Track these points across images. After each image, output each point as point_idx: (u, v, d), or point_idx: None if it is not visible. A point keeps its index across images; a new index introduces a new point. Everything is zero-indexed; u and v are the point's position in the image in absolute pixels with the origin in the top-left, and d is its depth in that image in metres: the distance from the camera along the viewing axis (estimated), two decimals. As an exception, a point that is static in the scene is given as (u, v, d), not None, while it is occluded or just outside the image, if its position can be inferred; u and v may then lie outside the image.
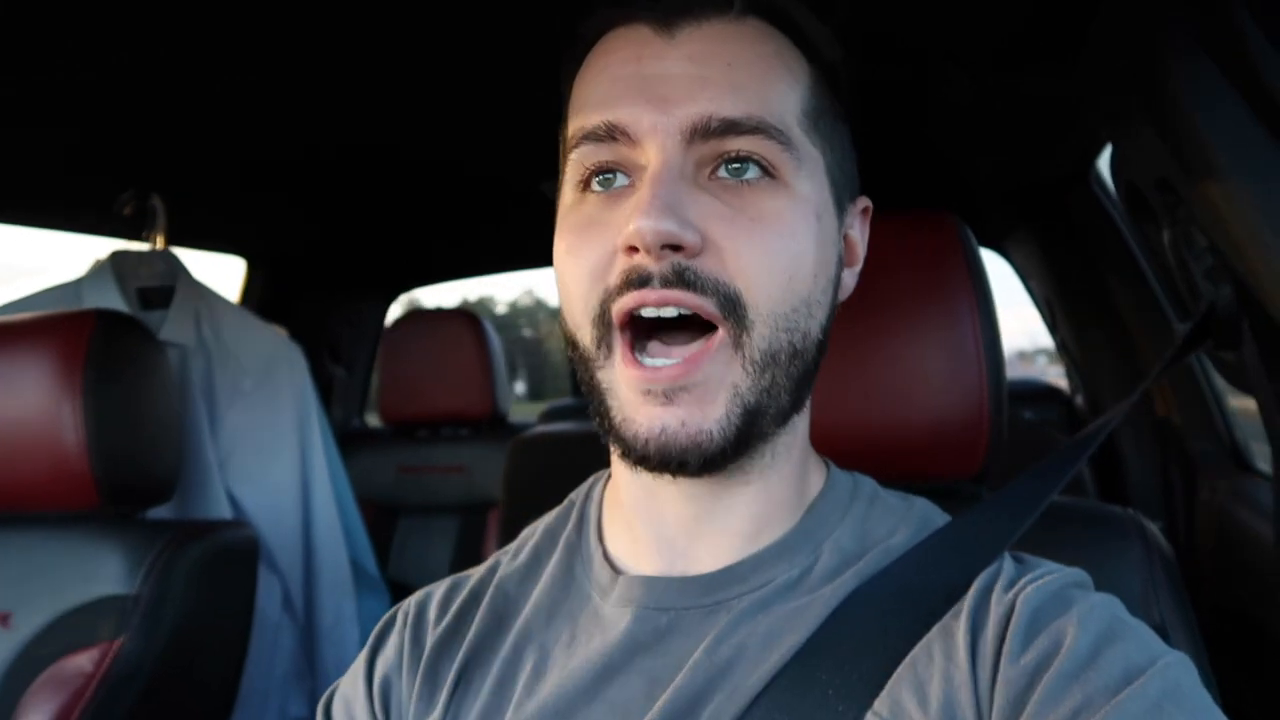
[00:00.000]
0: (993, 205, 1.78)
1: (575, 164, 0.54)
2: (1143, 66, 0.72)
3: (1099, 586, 0.54)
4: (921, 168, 1.54)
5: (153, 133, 1.26)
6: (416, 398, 2.17)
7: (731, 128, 0.50)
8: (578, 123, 0.54)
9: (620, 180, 0.53)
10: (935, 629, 0.51)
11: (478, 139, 1.37)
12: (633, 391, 0.51)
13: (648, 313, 0.50)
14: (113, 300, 1.52)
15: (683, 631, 0.54)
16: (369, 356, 2.68)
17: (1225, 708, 0.45)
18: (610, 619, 0.57)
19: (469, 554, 2.12)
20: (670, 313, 0.50)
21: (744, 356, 0.50)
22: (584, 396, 0.56)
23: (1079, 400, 2.13)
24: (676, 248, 0.49)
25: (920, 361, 0.71)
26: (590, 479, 0.68)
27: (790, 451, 0.57)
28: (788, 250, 0.51)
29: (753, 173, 0.51)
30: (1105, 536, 0.72)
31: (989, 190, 1.68)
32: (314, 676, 1.66)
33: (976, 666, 0.49)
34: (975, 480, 0.75)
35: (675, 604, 0.55)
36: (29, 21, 0.87)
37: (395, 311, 2.71)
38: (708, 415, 0.50)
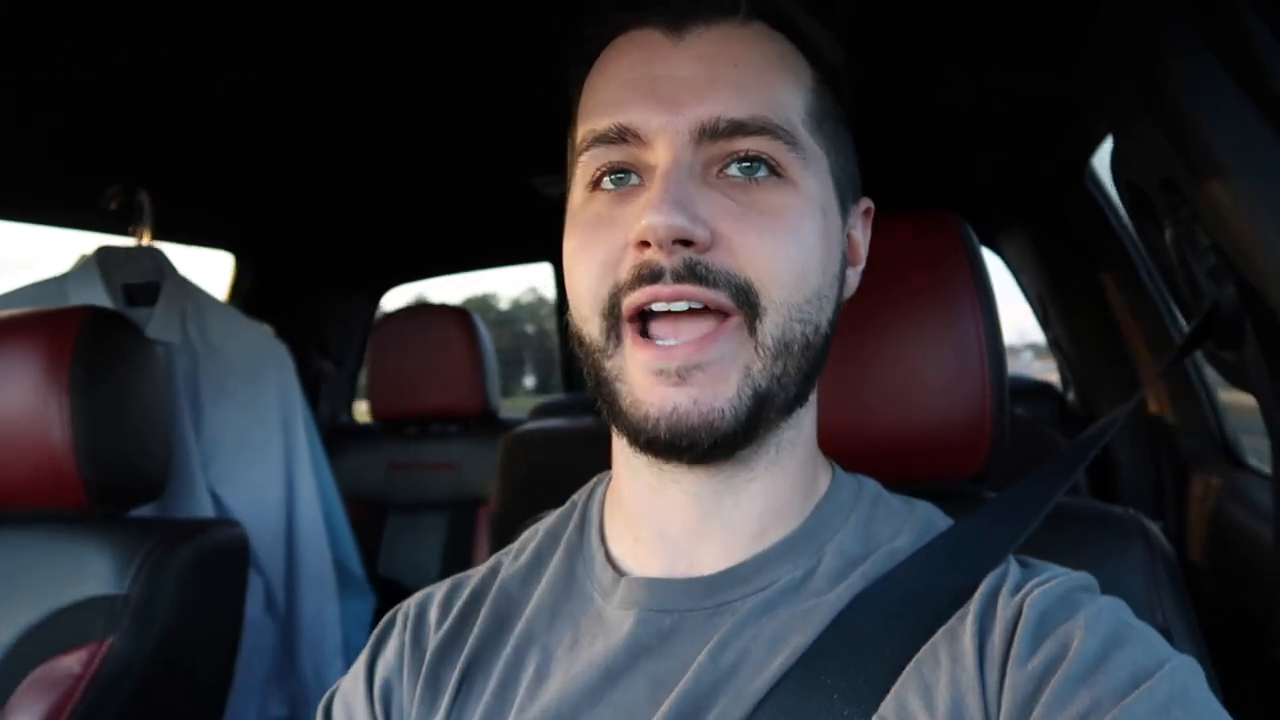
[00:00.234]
0: (989, 203, 1.78)
1: (586, 165, 0.55)
2: (1145, 65, 0.72)
3: (1101, 588, 0.54)
4: (917, 166, 1.54)
5: (139, 127, 1.25)
6: (406, 394, 2.16)
7: (739, 128, 0.52)
8: (588, 125, 0.55)
9: (631, 180, 0.54)
10: (940, 633, 0.51)
11: (468, 134, 1.36)
12: (644, 373, 0.51)
13: (658, 307, 0.51)
14: (98, 297, 1.50)
15: (686, 634, 0.54)
16: (358, 352, 2.67)
17: (1225, 709, 0.45)
18: (613, 621, 0.56)
19: (459, 551, 2.12)
20: (681, 306, 0.51)
21: (757, 341, 0.51)
22: (589, 390, 0.56)
23: (1070, 396, 2.14)
24: (687, 243, 0.50)
25: (923, 361, 0.71)
26: (593, 480, 0.68)
27: (794, 448, 0.57)
28: (796, 243, 0.52)
29: (760, 171, 0.52)
30: (1107, 537, 0.72)
31: (985, 188, 1.69)
32: (294, 677, 1.65)
33: (984, 670, 0.48)
34: (976, 480, 0.75)
35: (678, 606, 0.55)
36: (15, 17, 0.85)
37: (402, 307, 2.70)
38: (719, 394, 0.50)
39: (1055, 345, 2.01)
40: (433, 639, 0.61)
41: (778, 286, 0.51)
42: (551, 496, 0.68)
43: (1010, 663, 0.48)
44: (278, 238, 2.11)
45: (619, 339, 0.53)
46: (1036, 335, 2.20)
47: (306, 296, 2.39)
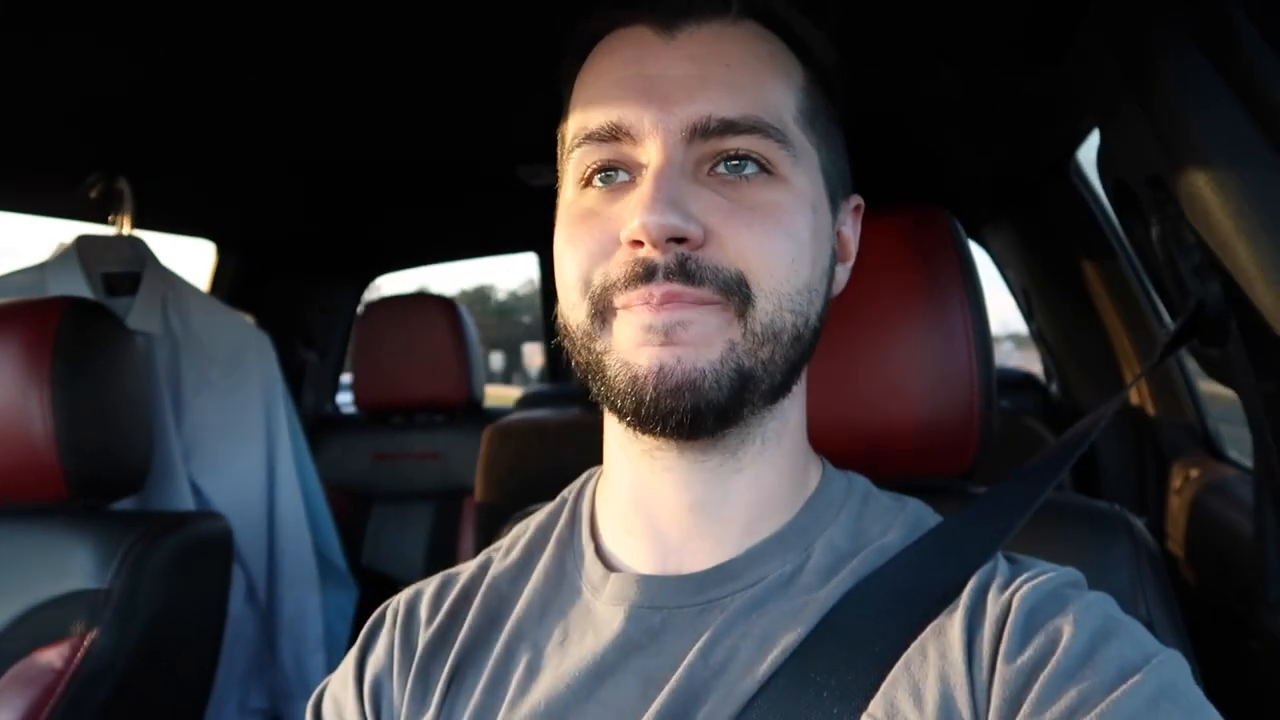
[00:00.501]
0: (973, 196, 1.78)
1: (577, 162, 0.55)
2: (1134, 64, 0.72)
3: (1088, 582, 0.54)
4: (901, 160, 1.54)
5: (120, 113, 1.23)
6: (391, 384, 2.15)
7: (730, 127, 0.52)
8: (580, 123, 0.55)
9: (621, 176, 0.54)
10: (929, 629, 0.52)
11: (453, 123, 1.35)
12: (633, 329, 0.51)
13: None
14: (78, 286, 1.49)
15: (676, 630, 0.54)
16: (342, 342, 2.65)
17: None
18: (603, 618, 0.56)
19: (444, 541, 2.11)
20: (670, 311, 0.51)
21: (745, 326, 0.52)
22: (578, 375, 0.56)
23: (1054, 388, 2.16)
24: (680, 240, 0.50)
25: (912, 356, 0.71)
26: (583, 475, 0.67)
27: (781, 440, 0.58)
28: (788, 236, 0.53)
29: (750, 169, 0.53)
30: (1093, 532, 0.73)
31: (970, 181, 1.69)
32: (275, 669, 1.65)
33: (973, 666, 0.49)
34: (964, 476, 0.76)
35: (668, 603, 0.55)
36: None
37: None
38: (701, 355, 0.51)
39: (1039, 337, 2.02)
40: (423, 636, 0.61)
41: (769, 276, 0.52)
42: (535, 487, 0.68)
43: (999, 659, 0.48)
44: (261, 227, 2.09)
45: (605, 321, 0.53)
46: (1019, 326, 2.21)
47: (289, 286, 2.36)
